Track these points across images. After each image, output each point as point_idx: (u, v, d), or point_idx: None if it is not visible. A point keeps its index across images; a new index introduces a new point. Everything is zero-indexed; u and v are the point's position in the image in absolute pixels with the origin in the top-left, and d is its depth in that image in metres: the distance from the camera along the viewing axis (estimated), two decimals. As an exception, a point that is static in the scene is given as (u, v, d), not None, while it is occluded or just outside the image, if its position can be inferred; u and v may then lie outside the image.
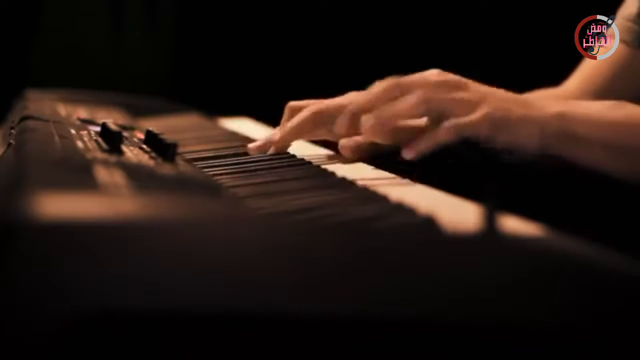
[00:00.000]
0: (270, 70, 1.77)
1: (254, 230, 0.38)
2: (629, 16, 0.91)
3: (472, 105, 0.67)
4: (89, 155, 0.58)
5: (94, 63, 1.79)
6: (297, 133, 0.78)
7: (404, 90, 0.69)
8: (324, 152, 0.83)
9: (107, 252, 0.34)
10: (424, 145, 0.67)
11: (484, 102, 0.67)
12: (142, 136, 0.79)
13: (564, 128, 0.67)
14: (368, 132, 0.69)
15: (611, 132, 0.68)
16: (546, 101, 0.70)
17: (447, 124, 0.66)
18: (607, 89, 0.93)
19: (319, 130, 0.79)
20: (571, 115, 0.68)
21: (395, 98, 0.69)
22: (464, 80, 0.70)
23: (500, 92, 0.70)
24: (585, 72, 0.96)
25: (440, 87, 0.68)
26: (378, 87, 0.71)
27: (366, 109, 0.70)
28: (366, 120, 0.68)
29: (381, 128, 0.68)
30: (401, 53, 1.64)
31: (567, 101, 0.71)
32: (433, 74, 0.70)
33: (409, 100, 0.67)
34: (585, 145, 0.68)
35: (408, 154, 0.67)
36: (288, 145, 0.80)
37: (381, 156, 0.75)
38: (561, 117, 0.68)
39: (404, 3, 1.69)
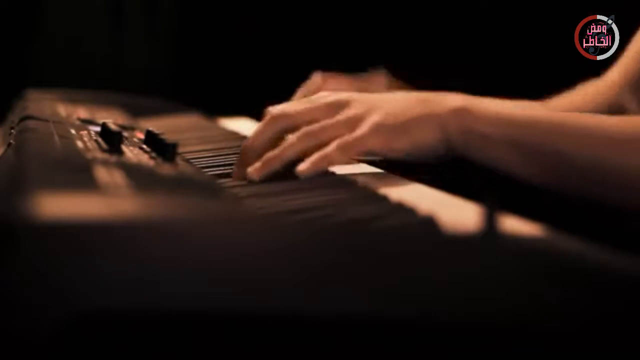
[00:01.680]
0: (270, 70, 1.77)
1: (254, 230, 0.38)
2: None
3: (358, 120, 0.65)
4: (89, 155, 0.58)
5: (94, 63, 1.79)
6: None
7: (293, 122, 0.67)
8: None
9: (107, 252, 0.34)
10: (318, 166, 0.64)
11: (372, 113, 0.66)
12: (142, 136, 0.79)
13: (465, 123, 0.64)
14: (252, 174, 0.66)
15: (512, 129, 0.64)
16: (447, 96, 0.67)
17: (335, 144, 0.64)
18: None
19: None
20: (473, 111, 0.65)
21: (284, 131, 0.68)
22: (348, 97, 0.68)
23: (391, 97, 0.68)
24: (625, 61, 0.93)
25: (326, 112, 0.67)
26: (263, 121, 0.69)
27: (253, 145, 0.68)
28: (250, 170, 0.66)
29: (264, 173, 0.65)
30: (401, 53, 1.64)
31: (474, 97, 0.67)
32: (319, 97, 0.69)
33: (291, 141, 0.66)
34: (486, 142, 0.64)
35: (302, 173, 0.64)
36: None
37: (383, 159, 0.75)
38: (461, 112, 0.65)
39: (404, 3, 1.69)
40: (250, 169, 0.65)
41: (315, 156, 0.64)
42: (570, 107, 0.90)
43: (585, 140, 0.64)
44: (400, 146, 0.66)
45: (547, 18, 1.47)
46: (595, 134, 0.64)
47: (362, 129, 0.65)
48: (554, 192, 0.67)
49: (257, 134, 0.69)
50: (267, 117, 0.69)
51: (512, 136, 0.64)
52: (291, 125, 0.68)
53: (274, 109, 0.70)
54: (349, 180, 0.64)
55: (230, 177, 0.69)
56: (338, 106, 0.67)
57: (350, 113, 0.66)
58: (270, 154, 0.66)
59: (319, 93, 0.70)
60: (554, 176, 0.65)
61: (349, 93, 0.69)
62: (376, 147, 0.66)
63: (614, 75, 0.94)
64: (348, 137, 0.65)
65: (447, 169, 0.72)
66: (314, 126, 0.66)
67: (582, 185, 0.64)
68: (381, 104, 0.66)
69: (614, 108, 0.88)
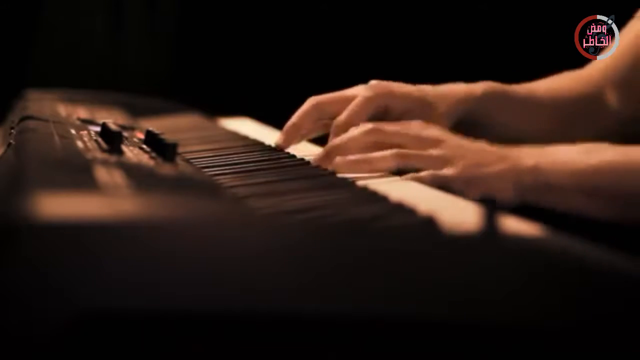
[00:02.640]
0: (270, 70, 1.77)
1: (254, 230, 0.38)
2: None
3: (445, 161, 0.71)
4: (89, 155, 0.58)
5: (94, 63, 1.79)
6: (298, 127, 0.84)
7: (385, 139, 0.74)
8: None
9: (107, 252, 0.34)
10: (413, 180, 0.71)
11: (459, 159, 0.71)
12: (142, 136, 0.79)
13: (538, 180, 0.70)
14: (339, 167, 0.72)
15: (585, 179, 0.70)
16: (522, 152, 0.72)
17: (429, 173, 0.71)
18: (628, 79, 0.91)
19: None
20: (545, 167, 0.70)
21: (374, 144, 0.74)
22: (441, 136, 0.74)
23: (476, 147, 0.73)
24: (608, 59, 0.94)
25: (418, 143, 0.73)
26: (360, 129, 0.75)
27: (345, 146, 0.74)
28: (340, 160, 0.72)
29: (351, 169, 0.71)
30: (401, 53, 1.64)
31: (543, 150, 0.73)
32: (415, 127, 0.75)
33: (385, 155, 0.72)
34: (560, 193, 0.70)
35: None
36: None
37: None
38: (535, 169, 0.70)
39: (404, 3, 1.69)
40: (339, 160, 0.72)
41: (413, 175, 0.71)
42: (548, 93, 0.93)
43: None
44: (475, 195, 0.69)
45: (547, 18, 1.47)
46: None
47: (451, 170, 0.71)
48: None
49: (350, 139, 0.75)
50: (366, 128, 0.75)
51: (585, 186, 0.70)
52: (384, 142, 0.74)
53: (373, 124, 0.76)
54: (349, 180, 0.64)
55: (230, 177, 0.69)
56: (430, 142, 0.73)
57: (441, 152, 0.72)
58: (364, 158, 0.72)
59: (414, 122, 0.76)
60: (632, 214, 0.71)
61: (441, 132, 0.75)
62: (457, 189, 0.70)
63: (595, 68, 0.95)
64: (440, 173, 0.71)
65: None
66: (411, 152, 0.72)
67: None
68: (466, 153, 0.72)
69: (590, 99, 0.92)
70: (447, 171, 0.71)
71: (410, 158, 0.72)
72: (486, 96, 0.87)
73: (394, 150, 0.72)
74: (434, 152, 0.72)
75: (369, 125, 0.76)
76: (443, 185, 0.70)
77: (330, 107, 0.83)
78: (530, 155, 0.71)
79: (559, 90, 0.94)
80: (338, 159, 0.72)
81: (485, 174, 0.71)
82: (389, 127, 0.76)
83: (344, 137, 0.76)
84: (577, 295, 0.37)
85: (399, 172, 0.72)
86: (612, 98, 0.92)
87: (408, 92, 0.86)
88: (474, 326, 0.35)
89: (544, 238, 0.44)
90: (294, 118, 0.83)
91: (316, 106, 0.83)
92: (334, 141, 0.76)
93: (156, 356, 0.33)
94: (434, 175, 0.71)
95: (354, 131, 0.76)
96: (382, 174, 0.72)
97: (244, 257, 0.35)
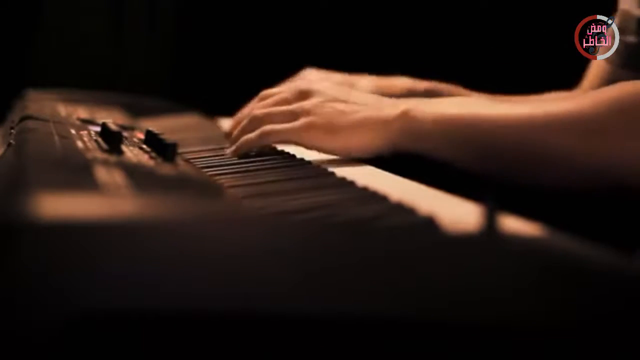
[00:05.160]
0: (270, 70, 1.76)
1: (254, 231, 0.38)
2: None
3: (304, 113, 0.74)
4: (89, 155, 0.58)
5: (94, 63, 1.79)
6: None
7: (266, 120, 0.78)
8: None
9: (107, 252, 0.34)
10: (240, 150, 0.78)
11: (315, 111, 0.74)
12: (142, 136, 0.79)
13: (407, 125, 0.71)
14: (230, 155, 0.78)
15: (448, 126, 0.70)
16: (401, 101, 0.74)
17: (259, 131, 0.75)
18: None
19: None
20: (414, 114, 0.71)
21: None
22: (315, 88, 0.77)
23: (351, 96, 0.75)
24: (589, 77, 0.97)
25: (288, 98, 0.77)
26: (248, 119, 0.80)
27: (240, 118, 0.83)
28: (228, 151, 0.79)
29: (236, 155, 0.77)
30: (401, 53, 1.64)
31: (422, 100, 0.74)
32: (294, 85, 0.81)
33: (243, 128, 0.78)
34: (426, 140, 0.71)
35: (230, 155, 0.77)
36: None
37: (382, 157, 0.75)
38: (403, 115, 0.71)
39: (405, 3, 1.69)
40: (228, 151, 0.78)
41: (240, 141, 0.77)
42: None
43: (506, 129, 0.69)
44: (329, 147, 0.74)
45: (547, 18, 1.47)
46: (512, 120, 0.69)
47: (294, 124, 0.74)
48: (555, 192, 0.70)
49: (239, 131, 0.80)
50: (251, 116, 0.79)
51: (447, 133, 0.70)
52: (270, 121, 0.77)
53: (255, 109, 0.80)
54: (349, 180, 0.64)
55: (230, 177, 0.69)
56: (301, 95, 0.76)
57: (302, 105, 0.75)
58: (238, 145, 0.78)
59: (305, 78, 0.79)
60: (484, 163, 0.70)
61: (325, 84, 0.78)
62: (302, 143, 0.74)
63: (583, 87, 0.97)
64: (273, 127, 0.75)
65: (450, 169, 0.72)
66: (261, 111, 0.77)
67: (508, 168, 0.70)
68: (334, 103, 0.74)
69: None
70: (288, 125, 0.74)
71: (263, 118, 0.77)
72: (428, 94, 0.89)
73: (257, 132, 0.76)
74: (293, 106, 0.76)
75: (252, 113, 0.79)
76: (284, 138, 0.74)
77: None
78: (406, 102, 0.73)
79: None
80: (227, 151, 0.78)
81: (343, 125, 0.72)
82: (273, 90, 0.81)
83: (237, 129, 0.81)
84: (577, 295, 0.37)
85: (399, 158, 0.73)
86: None
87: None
88: (473, 326, 0.35)
89: (544, 238, 0.44)
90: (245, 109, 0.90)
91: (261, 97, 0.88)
92: (234, 133, 0.81)
93: (156, 356, 0.33)
94: (262, 133, 0.75)
95: (243, 122, 0.80)
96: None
97: (244, 257, 0.35)
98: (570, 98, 0.88)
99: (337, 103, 0.74)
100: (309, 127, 0.74)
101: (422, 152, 0.71)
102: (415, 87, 0.93)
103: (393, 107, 0.73)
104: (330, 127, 0.73)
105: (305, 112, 0.74)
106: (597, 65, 0.94)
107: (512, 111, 0.70)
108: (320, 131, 0.73)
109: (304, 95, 0.76)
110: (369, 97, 0.76)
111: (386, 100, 0.76)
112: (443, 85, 0.93)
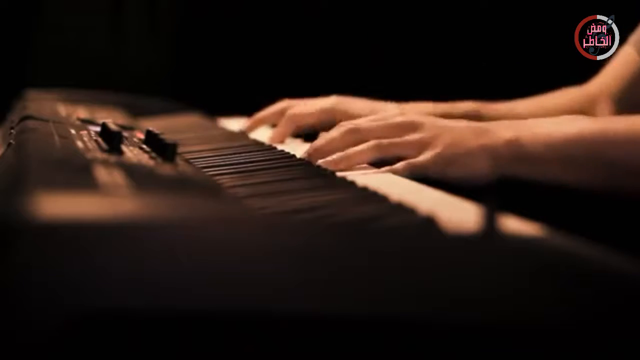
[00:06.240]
0: (270, 70, 1.77)
1: (254, 231, 0.38)
2: None
3: (424, 144, 0.72)
4: (89, 155, 0.58)
5: (94, 63, 1.79)
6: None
7: (363, 136, 0.75)
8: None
9: (106, 252, 0.34)
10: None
11: (437, 139, 0.72)
12: (142, 136, 0.79)
13: (515, 153, 0.71)
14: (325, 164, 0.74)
15: (560, 148, 0.70)
16: (500, 126, 0.73)
17: (403, 164, 0.72)
18: (626, 99, 0.93)
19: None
20: (523, 139, 0.71)
21: (354, 141, 0.75)
22: (418, 119, 0.75)
23: (454, 125, 0.74)
24: (606, 78, 0.96)
25: (396, 131, 0.74)
26: (338, 130, 0.77)
27: (323, 150, 0.76)
28: (322, 162, 0.74)
29: (335, 167, 0.73)
30: (401, 53, 1.64)
31: (520, 122, 0.74)
32: (390, 115, 0.77)
33: (363, 149, 0.74)
34: (537, 165, 0.71)
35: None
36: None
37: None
38: (514, 142, 0.71)
39: (405, 3, 1.69)
40: (321, 162, 0.74)
41: (384, 169, 0.73)
42: (528, 109, 0.95)
43: (630, 144, 0.69)
44: (454, 175, 0.72)
45: (547, 18, 1.47)
46: (636, 135, 0.69)
47: (426, 156, 0.72)
48: (555, 192, 0.70)
49: (330, 141, 0.76)
50: (342, 129, 0.77)
51: (559, 156, 0.70)
52: (363, 140, 0.75)
53: (349, 124, 0.77)
54: (349, 180, 0.64)
55: (230, 177, 0.69)
56: (408, 128, 0.74)
57: (418, 137, 0.73)
58: (340, 156, 0.74)
59: (390, 111, 0.78)
60: (608, 183, 0.70)
61: (417, 115, 0.76)
62: (435, 174, 0.72)
63: (593, 87, 0.97)
64: (415, 161, 0.72)
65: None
66: (385, 141, 0.74)
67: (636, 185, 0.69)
68: (444, 133, 0.73)
69: (577, 113, 0.93)
70: (422, 158, 0.72)
71: (389, 147, 0.74)
72: (468, 118, 0.88)
73: (371, 142, 0.74)
74: (411, 137, 0.74)
75: (346, 125, 0.77)
76: (420, 174, 0.71)
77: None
78: (508, 128, 0.72)
79: (541, 104, 0.96)
80: (320, 162, 0.74)
81: (463, 151, 0.71)
82: (365, 122, 0.77)
83: (323, 138, 0.78)
84: (577, 295, 0.37)
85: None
86: (606, 114, 0.93)
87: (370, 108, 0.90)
88: (474, 326, 0.35)
89: (544, 238, 0.44)
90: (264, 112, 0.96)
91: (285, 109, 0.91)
92: (314, 144, 0.78)
93: (156, 356, 0.33)
94: (408, 165, 0.72)
95: (332, 132, 0.77)
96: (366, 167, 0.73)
97: (244, 257, 0.35)
98: None
99: (447, 133, 0.73)
100: (437, 159, 0.72)
101: (534, 178, 0.71)
102: (452, 112, 0.92)
103: (494, 134, 0.72)
104: (455, 157, 0.72)
105: (426, 144, 0.73)
106: (625, 54, 0.93)
107: (634, 124, 0.70)
108: (447, 162, 0.72)
109: (413, 127, 0.74)
110: (462, 123, 0.75)
111: (484, 125, 0.75)
112: (475, 105, 0.93)
